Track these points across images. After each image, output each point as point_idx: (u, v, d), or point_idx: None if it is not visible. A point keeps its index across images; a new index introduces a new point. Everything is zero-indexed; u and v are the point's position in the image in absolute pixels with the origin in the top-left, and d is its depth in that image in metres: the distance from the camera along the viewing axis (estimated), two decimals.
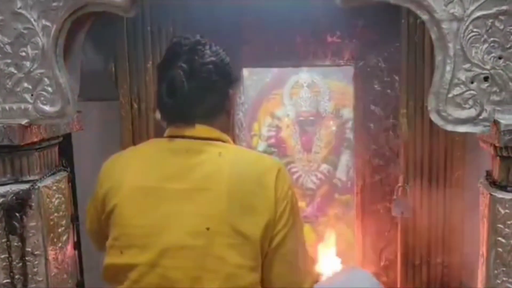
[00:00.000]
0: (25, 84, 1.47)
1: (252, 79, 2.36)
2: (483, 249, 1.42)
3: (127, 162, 1.32)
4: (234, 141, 2.26)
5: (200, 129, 1.27)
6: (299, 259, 1.25)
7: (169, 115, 1.32)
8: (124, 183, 1.25)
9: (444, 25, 1.29)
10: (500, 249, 1.35)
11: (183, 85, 1.24)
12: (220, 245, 1.15)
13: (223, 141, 1.29)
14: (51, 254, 1.57)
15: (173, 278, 1.15)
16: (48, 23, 1.43)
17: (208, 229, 1.15)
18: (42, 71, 1.46)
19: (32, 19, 1.43)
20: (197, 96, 1.27)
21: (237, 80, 1.38)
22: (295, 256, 1.24)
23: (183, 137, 1.27)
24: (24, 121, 1.46)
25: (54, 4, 1.42)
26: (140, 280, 1.18)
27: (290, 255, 1.23)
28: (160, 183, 1.22)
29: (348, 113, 2.37)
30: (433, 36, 1.32)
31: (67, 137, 1.89)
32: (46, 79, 1.46)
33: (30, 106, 1.48)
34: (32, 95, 1.47)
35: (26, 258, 1.50)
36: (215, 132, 1.29)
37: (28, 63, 1.46)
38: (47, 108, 1.48)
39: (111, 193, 1.26)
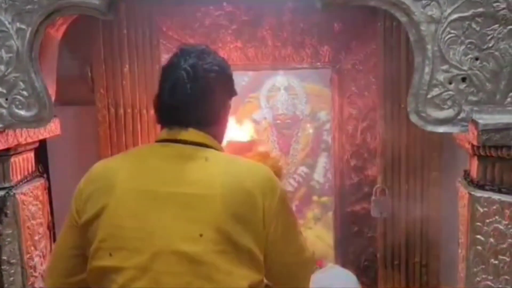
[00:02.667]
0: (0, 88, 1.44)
1: None
2: (462, 248, 1.44)
3: (119, 164, 1.29)
4: None
5: (194, 134, 1.27)
6: (299, 257, 1.31)
7: (166, 117, 1.30)
8: (116, 184, 1.22)
9: (423, 27, 1.31)
10: (479, 247, 1.37)
11: (185, 86, 1.24)
12: (213, 252, 1.14)
13: (216, 149, 1.29)
14: (27, 262, 1.53)
15: (165, 283, 1.14)
16: (23, 26, 1.41)
17: (201, 235, 1.14)
18: (17, 75, 1.43)
19: (6, 22, 1.40)
20: (196, 100, 1.27)
21: (235, 93, 1.38)
22: (293, 257, 1.29)
23: (175, 141, 1.26)
24: None
25: (29, 6, 1.39)
26: (128, 284, 1.15)
27: (288, 256, 1.27)
28: (154, 187, 1.20)
29: (324, 115, 2.38)
30: (412, 38, 1.34)
31: (42, 142, 1.85)
32: (21, 83, 1.43)
33: (4, 111, 1.44)
34: (6, 99, 1.44)
35: (2, 267, 1.47)
36: (208, 139, 1.28)
37: (2, 67, 1.42)
38: (22, 112, 1.44)
39: (98, 194, 1.23)
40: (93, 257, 1.21)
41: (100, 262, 1.20)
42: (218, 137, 1.33)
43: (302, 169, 2.44)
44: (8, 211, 1.47)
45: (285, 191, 1.28)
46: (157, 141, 1.29)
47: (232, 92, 1.37)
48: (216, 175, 1.20)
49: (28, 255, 1.54)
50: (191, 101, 1.26)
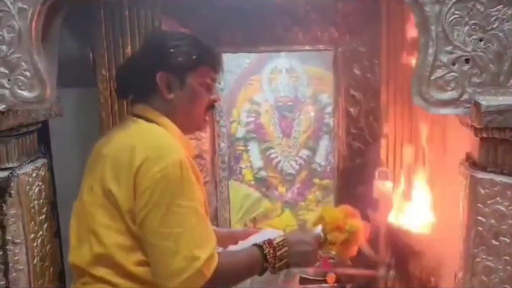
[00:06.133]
0: (2, 69, 1.43)
1: (231, 64, 2.35)
2: (463, 229, 1.45)
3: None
4: (213, 128, 2.28)
5: (137, 107, 1.46)
6: (165, 240, 1.28)
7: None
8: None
9: (427, 8, 1.30)
10: (480, 228, 1.38)
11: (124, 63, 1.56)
12: (95, 204, 1.34)
13: (153, 121, 1.42)
14: (32, 242, 1.54)
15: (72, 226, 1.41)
16: (24, 6, 1.40)
17: (91, 188, 1.36)
18: (19, 55, 1.42)
19: (8, 2, 1.39)
20: (128, 75, 1.49)
21: (168, 65, 1.44)
22: (156, 237, 1.28)
23: (131, 113, 1.48)
24: (1, 107, 1.43)
25: None
26: None
27: (150, 235, 1.29)
28: (99, 149, 1.42)
29: (326, 98, 2.38)
30: (416, 19, 1.34)
31: (45, 123, 1.85)
32: (23, 64, 1.43)
33: (7, 92, 1.44)
34: (9, 80, 1.44)
35: (7, 247, 1.48)
36: (148, 111, 1.44)
37: (4, 47, 1.42)
38: (25, 93, 1.44)
39: None
40: None
41: None
42: (164, 110, 1.44)
43: (304, 152, 2.44)
44: (12, 191, 1.48)
45: (180, 168, 1.29)
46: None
47: (160, 64, 1.43)
48: (119, 139, 1.39)
49: (32, 235, 1.55)
50: (124, 74, 1.50)
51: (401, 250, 1.64)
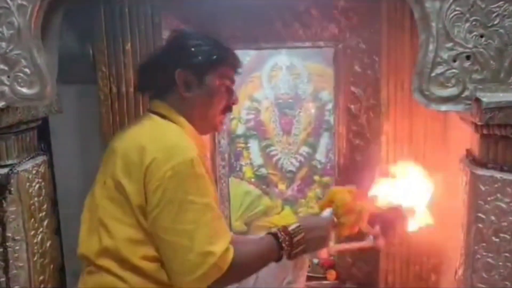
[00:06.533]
0: (1, 66, 1.43)
1: None
2: (463, 225, 1.45)
3: None
4: None
5: (155, 104, 1.46)
6: (179, 237, 1.27)
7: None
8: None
9: (427, 4, 1.30)
10: (480, 225, 1.38)
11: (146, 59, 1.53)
12: (107, 197, 1.34)
13: (168, 118, 1.41)
14: (32, 239, 1.55)
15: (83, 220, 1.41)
16: (24, 3, 1.40)
17: (105, 183, 1.35)
18: (18, 52, 1.42)
19: None
20: (148, 71, 1.48)
21: (188, 64, 1.44)
22: (170, 234, 1.28)
23: (148, 110, 1.48)
24: (0, 104, 1.43)
25: None
26: None
27: (164, 233, 1.28)
28: (112, 145, 1.41)
29: (327, 95, 2.38)
30: (416, 15, 1.33)
31: (45, 120, 1.85)
32: (23, 61, 1.43)
33: (6, 88, 1.44)
34: (8, 76, 1.43)
35: (7, 244, 1.48)
36: (164, 108, 1.43)
37: (3, 44, 1.42)
38: (24, 90, 1.44)
39: None
40: None
41: None
42: (181, 108, 1.44)
43: (304, 149, 2.45)
44: (12, 188, 1.48)
45: (192, 166, 1.29)
46: None
47: (179, 62, 1.43)
48: (131, 136, 1.38)
49: (32, 232, 1.55)
50: (145, 72, 1.50)
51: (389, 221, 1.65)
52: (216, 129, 1.57)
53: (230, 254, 1.30)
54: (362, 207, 1.59)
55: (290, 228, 1.43)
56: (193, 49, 1.44)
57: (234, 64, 1.51)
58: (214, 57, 1.43)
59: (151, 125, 1.40)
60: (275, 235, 1.42)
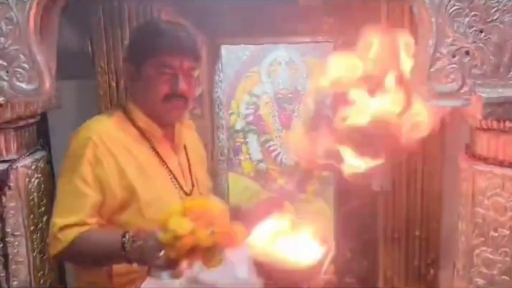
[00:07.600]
0: (0, 61, 1.42)
1: (229, 56, 2.34)
2: (462, 221, 1.45)
3: None
4: (212, 120, 2.26)
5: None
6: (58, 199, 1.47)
7: None
8: None
9: None
10: (479, 220, 1.38)
11: None
12: None
13: (123, 106, 1.60)
14: (31, 234, 1.55)
15: None
16: None
17: None
18: (17, 47, 1.41)
19: None
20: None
21: (127, 55, 1.60)
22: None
23: None
24: None
25: None
26: None
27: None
28: None
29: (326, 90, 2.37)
30: (416, 10, 1.33)
31: (43, 116, 1.84)
32: (22, 56, 1.42)
33: (5, 84, 1.43)
34: (7, 72, 1.43)
35: (6, 239, 1.48)
36: (126, 98, 1.69)
37: (2, 39, 1.41)
38: (23, 85, 1.44)
39: None
40: None
41: None
42: (132, 97, 1.60)
43: None
44: (11, 184, 1.48)
45: (83, 145, 1.48)
46: None
47: (126, 55, 1.62)
48: None
49: (32, 227, 1.55)
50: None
51: None
52: (165, 117, 1.55)
53: (73, 232, 1.38)
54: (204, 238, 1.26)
55: (140, 232, 1.33)
56: (130, 40, 1.63)
57: (172, 52, 1.48)
58: (147, 46, 1.49)
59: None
60: (124, 233, 1.35)
